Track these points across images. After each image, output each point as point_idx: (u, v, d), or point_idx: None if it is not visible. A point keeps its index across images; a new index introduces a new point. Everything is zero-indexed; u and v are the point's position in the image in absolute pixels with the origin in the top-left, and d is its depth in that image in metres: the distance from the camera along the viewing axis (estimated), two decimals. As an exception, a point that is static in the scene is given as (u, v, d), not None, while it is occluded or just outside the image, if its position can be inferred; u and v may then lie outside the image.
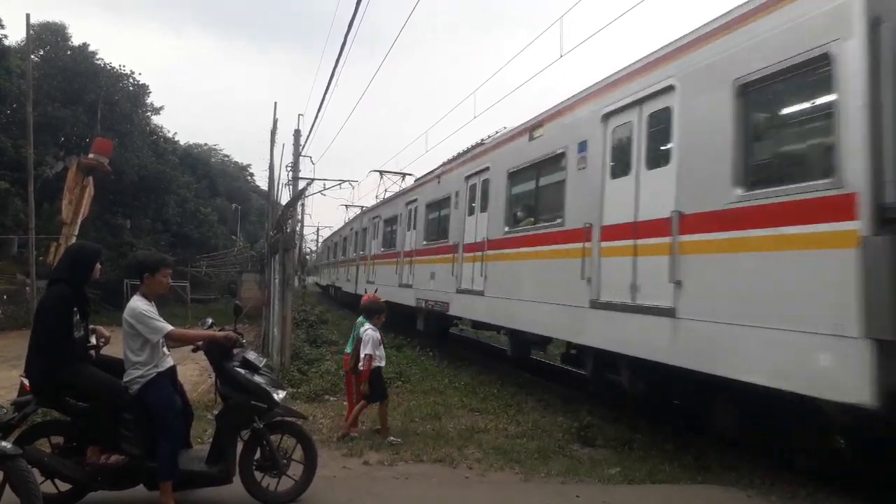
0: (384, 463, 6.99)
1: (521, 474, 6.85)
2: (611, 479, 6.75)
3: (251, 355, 5.84)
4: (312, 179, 31.55)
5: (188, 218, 40.12)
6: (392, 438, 7.95)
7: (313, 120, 40.68)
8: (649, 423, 8.90)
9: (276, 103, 24.16)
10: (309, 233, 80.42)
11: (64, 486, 5.13)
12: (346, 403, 9.23)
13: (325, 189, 36.18)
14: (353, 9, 10.00)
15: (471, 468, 7.00)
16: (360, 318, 8.70)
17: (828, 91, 5.37)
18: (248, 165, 66.17)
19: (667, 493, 6.40)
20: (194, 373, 12.11)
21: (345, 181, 36.24)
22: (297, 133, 33.24)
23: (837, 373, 5.01)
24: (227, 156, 63.94)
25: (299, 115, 40.12)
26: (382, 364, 8.43)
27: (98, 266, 5.37)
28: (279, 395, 5.66)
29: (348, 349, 8.79)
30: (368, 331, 8.30)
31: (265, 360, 6.15)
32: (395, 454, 7.30)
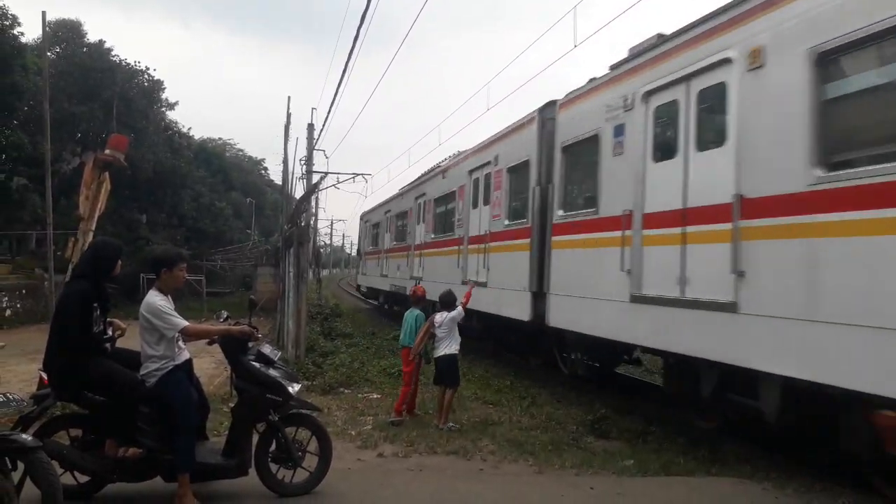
0: (398, 455, 7.03)
1: (535, 466, 6.87)
2: (625, 472, 6.74)
3: (266, 349, 5.88)
4: (326, 173, 31.53)
5: (203, 212, 40.33)
6: (451, 425, 8.29)
7: (326, 114, 40.77)
8: (664, 416, 8.88)
9: (289, 97, 24.34)
10: (323, 226, 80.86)
11: (83, 479, 5.20)
12: (360, 395, 9.33)
13: (338, 183, 36.21)
14: (366, 1, 10.00)
15: (485, 460, 7.02)
16: (411, 310, 9.36)
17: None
18: (263, 159, 66.39)
19: (681, 486, 6.37)
20: (210, 366, 12.19)
21: (358, 174, 36.24)
22: (311, 127, 33.22)
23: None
24: (242, 150, 64.22)
25: (312, 108, 40.35)
26: (457, 350, 8.77)
27: (119, 262, 5.43)
28: (294, 388, 5.70)
29: (409, 342, 9.11)
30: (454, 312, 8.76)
31: (280, 353, 6.19)
32: (410, 446, 7.34)
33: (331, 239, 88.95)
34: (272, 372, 5.64)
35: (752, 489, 6.19)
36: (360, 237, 33.17)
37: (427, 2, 10.68)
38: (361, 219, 32.07)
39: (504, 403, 9.93)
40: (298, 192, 26.89)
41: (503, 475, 6.59)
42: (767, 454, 7.16)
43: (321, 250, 61.74)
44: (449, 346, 8.62)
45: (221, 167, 50.06)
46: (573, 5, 12.47)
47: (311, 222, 32.20)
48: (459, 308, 8.75)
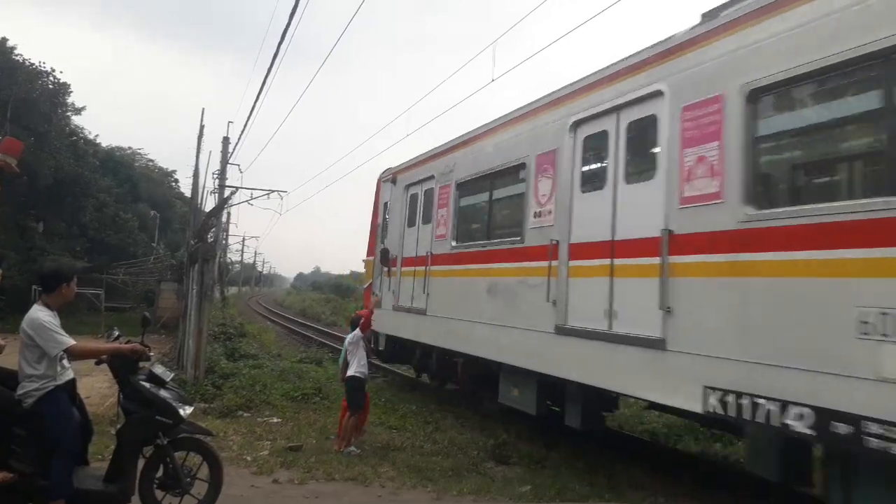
0: (294, 481, 6.88)
1: (433, 493, 6.87)
2: (521, 497, 6.85)
3: (158, 369, 5.67)
4: (237, 188, 30.89)
5: (106, 223, 38.48)
6: (352, 449, 8.25)
7: (243, 128, 39.92)
8: (564, 442, 9.07)
9: (203, 109, 23.83)
10: (234, 242, 78.85)
11: (-55, 506, 4.83)
12: (260, 419, 9.13)
13: (252, 199, 35.54)
14: (287, 19, 9.95)
15: (384, 486, 6.97)
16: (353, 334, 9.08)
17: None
18: (174, 171, 64.19)
19: (574, 511, 6.54)
20: (104, 385, 11.57)
21: (273, 191, 35.71)
22: (226, 140, 32.64)
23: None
24: (152, 160, 61.72)
25: (229, 122, 39.48)
26: (360, 372, 8.74)
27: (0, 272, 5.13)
28: (186, 411, 5.50)
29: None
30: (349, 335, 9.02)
31: (173, 374, 5.96)
32: (307, 472, 7.19)
33: (241, 256, 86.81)
34: (163, 393, 5.43)
35: (640, 514, 6.41)
36: (382, 228, 14.23)
37: (351, 21, 10.70)
38: (391, 182, 13.78)
39: (408, 429, 9.90)
40: (211, 206, 26.22)
41: (401, 502, 6.55)
42: (661, 479, 7.41)
43: (230, 267, 60.09)
44: (351, 367, 8.64)
45: (129, 177, 48.07)
46: (493, 40, 12.81)
47: (222, 238, 31.32)
48: (356, 330, 8.85)
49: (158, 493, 5.33)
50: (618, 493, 7.12)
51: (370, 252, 14.78)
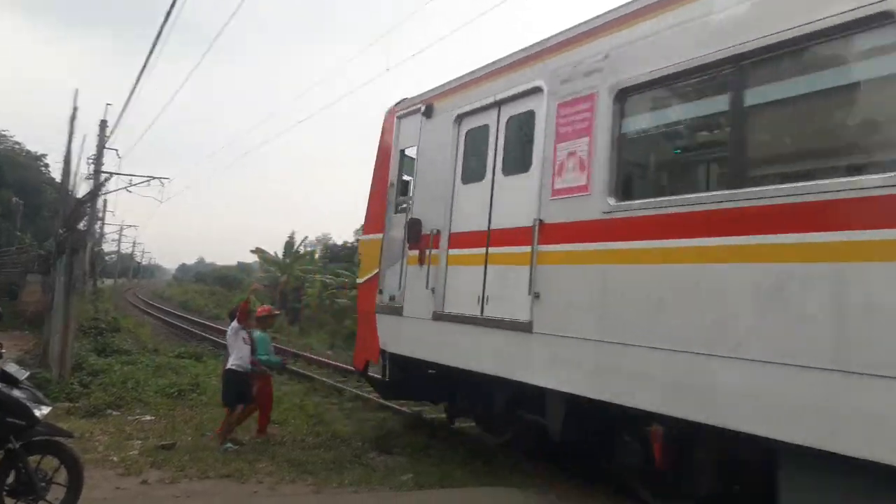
0: (165, 481, 6.60)
1: (313, 486, 6.79)
2: (403, 486, 6.89)
3: (11, 367, 5.32)
4: (111, 174, 29.17)
5: (-36, 210, 35.49)
6: (229, 445, 7.99)
7: (121, 111, 37.68)
8: (446, 430, 9.20)
9: (76, 90, 22.37)
10: (111, 231, 74.53)
11: None
12: (130, 418, 8.74)
13: (131, 185, 33.74)
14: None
15: (261, 482, 6.81)
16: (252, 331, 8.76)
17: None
18: (44, 155, 59.56)
19: (454, 497, 6.67)
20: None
21: (154, 178, 34.05)
22: (104, 123, 30.74)
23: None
24: (19, 143, 57.18)
25: (107, 104, 36.94)
26: (237, 365, 8.39)
27: None
28: (41, 412, 5.16)
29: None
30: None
31: (28, 372, 5.58)
32: (179, 471, 6.91)
33: (119, 246, 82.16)
34: (15, 393, 5.08)
35: (516, 496, 6.59)
36: (399, 190, 9.23)
37: (239, 7, 10.30)
38: (420, 115, 8.71)
39: (290, 422, 9.71)
40: (84, 193, 24.61)
41: (279, 497, 6.45)
42: (542, 465, 7.62)
43: (107, 258, 56.77)
44: (229, 360, 8.42)
45: (-10, 161, 44.43)
46: (388, 29, 12.75)
47: (97, 227, 29.46)
48: (234, 322, 8.61)
49: (9, 501, 4.98)
50: (497, 479, 7.27)
51: (371, 227, 9.87)
